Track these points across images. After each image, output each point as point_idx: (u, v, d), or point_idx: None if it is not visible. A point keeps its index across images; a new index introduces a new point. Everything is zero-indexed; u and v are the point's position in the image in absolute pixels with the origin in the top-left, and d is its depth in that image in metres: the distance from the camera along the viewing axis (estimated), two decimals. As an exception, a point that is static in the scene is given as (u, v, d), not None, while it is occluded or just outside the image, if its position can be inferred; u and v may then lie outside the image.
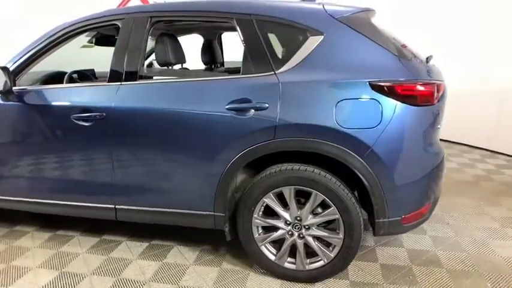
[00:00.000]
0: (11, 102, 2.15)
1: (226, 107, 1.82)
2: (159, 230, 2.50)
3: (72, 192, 2.22)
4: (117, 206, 2.15)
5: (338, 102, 1.70)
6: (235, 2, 1.97)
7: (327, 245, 1.91)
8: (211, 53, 2.99)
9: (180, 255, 2.28)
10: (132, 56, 2.02)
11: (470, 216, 2.72)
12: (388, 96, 1.67)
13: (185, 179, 1.99)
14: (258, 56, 1.86)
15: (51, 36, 2.15)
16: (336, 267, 1.91)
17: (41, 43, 2.16)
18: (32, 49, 2.18)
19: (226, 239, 2.05)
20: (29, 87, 2.21)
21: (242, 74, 1.88)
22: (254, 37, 1.87)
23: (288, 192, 1.85)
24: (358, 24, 1.81)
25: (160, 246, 2.39)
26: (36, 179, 2.26)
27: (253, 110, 1.78)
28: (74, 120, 2.03)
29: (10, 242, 2.46)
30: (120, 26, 2.08)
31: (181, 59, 2.27)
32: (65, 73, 2.66)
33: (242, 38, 1.89)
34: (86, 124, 2.02)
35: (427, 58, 1.95)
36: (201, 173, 1.94)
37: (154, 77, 2.09)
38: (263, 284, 1.98)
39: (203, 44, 3.02)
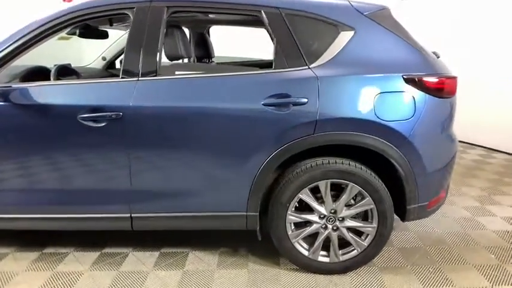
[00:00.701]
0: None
1: (263, 102, 1.76)
2: (162, 237, 2.33)
3: (79, 204, 1.95)
4: (133, 215, 1.95)
5: (376, 95, 1.75)
6: None
7: (358, 235, 1.97)
8: (205, 47, 2.86)
9: (199, 260, 2.15)
10: (150, 48, 1.83)
11: (453, 198, 3.02)
12: (419, 89, 1.78)
13: (216, 180, 1.88)
14: (290, 50, 1.83)
15: (42, 26, 1.85)
16: (368, 256, 1.98)
17: (29, 33, 1.85)
18: (19, 40, 1.85)
19: (258, 239, 1.99)
20: (16, 85, 1.88)
21: (275, 69, 1.84)
22: (284, 31, 1.83)
23: (324, 186, 1.87)
24: (384, 20, 1.89)
25: (174, 254, 2.22)
26: (33, 191, 1.94)
27: (292, 105, 1.75)
28: (82, 121, 1.79)
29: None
30: (131, 15, 1.87)
31: (190, 53, 2.13)
32: (44, 68, 2.32)
33: (272, 32, 1.84)
34: (97, 125, 1.79)
35: (435, 54, 2.11)
36: (234, 173, 1.85)
37: (176, 72, 1.92)
38: (297, 279, 1.97)
39: (196, 38, 2.87)
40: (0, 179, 1.92)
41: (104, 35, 2.68)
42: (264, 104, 1.76)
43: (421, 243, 2.32)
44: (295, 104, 1.75)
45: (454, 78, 1.86)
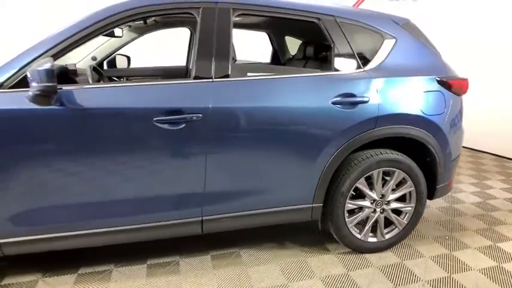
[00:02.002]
0: (53, 107, 1.59)
1: (331, 101, 1.93)
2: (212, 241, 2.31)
3: (151, 212, 1.82)
4: (204, 218, 1.91)
5: (420, 94, 2.08)
6: (323, 5, 2.06)
7: (398, 215, 2.28)
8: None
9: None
10: (221, 49, 1.84)
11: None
12: (447, 89, 2.16)
13: (288, 176, 1.97)
14: (346, 54, 2.04)
15: (106, 18, 1.70)
16: (407, 232, 2.31)
17: (84, 29, 1.67)
18: (73, 35, 1.66)
19: (319, 228, 2.15)
20: (78, 87, 1.68)
21: (335, 71, 2.02)
22: (340, 37, 2.04)
23: (377, 174, 2.12)
24: (412, 30, 2.23)
25: (228, 254, 2.23)
26: (105, 203, 1.74)
27: (356, 104, 1.96)
28: (157, 124, 1.70)
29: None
30: (196, 16, 1.84)
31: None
32: (65, 68, 2.07)
33: (330, 37, 2.03)
34: (174, 128, 1.72)
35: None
36: (305, 168, 1.97)
37: (248, 74, 1.95)
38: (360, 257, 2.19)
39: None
40: (57, 195, 1.69)
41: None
42: (332, 103, 1.93)
43: (433, 219, 2.76)
44: (359, 102, 1.97)
45: (467, 79, 2.30)
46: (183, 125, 1.73)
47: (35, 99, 1.55)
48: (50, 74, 1.45)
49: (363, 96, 1.97)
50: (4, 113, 1.56)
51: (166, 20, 2.89)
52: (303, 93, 1.94)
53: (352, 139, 1.99)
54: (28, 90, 1.54)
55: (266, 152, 1.91)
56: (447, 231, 2.59)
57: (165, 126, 1.71)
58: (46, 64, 1.45)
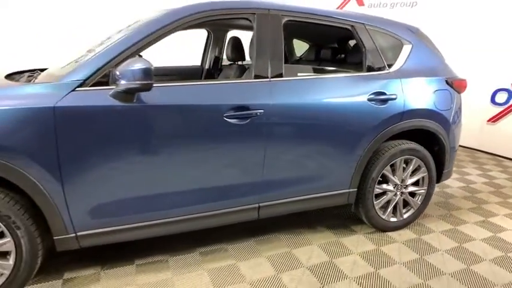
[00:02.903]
0: (137, 104, 1.69)
1: (367, 98, 2.22)
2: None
3: (214, 200, 1.97)
4: (260, 204, 2.10)
5: (434, 92, 2.44)
6: (354, 12, 2.34)
7: (413, 197, 2.63)
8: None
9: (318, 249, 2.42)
10: (276, 52, 2.04)
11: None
12: (452, 88, 2.55)
13: (331, 164, 2.22)
14: (375, 57, 2.34)
15: (173, 22, 1.81)
16: (420, 211, 2.67)
17: (161, 28, 1.78)
18: (151, 34, 1.76)
19: (352, 210, 2.44)
20: (160, 84, 1.77)
21: (367, 72, 2.31)
22: (370, 41, 2.33)
23: (399, 161, 2.45)
24: (422, 37, 2.60)
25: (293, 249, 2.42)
26: (174, 193, 1.86)
27: (387, 100, 2.26)
28: (227, 119, 1.86)
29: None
30: (252, 20, 2.02)
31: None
32: None
33: (361, 42, 2.31)
34: (241, 122, 1.90)
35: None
36: (345, 157, 2.24)
37: (298, 74, 2.16)
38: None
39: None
40: (137, 188, 1.79)
41: None
42: (368, 100, 2.22)
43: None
44: (389, 99, 2.27)
45: (465, 80, 2.71)
46: (248, 120, 1.91)
47: (119, 96, 1.65)
48: (148, 72, 1.56)
49: (392, 94, 2.28)
50: (88, 109, 1.63)
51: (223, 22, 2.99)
52: (344, 91, 2.20)
53: (383, 131, 2.29)
54: (110, 88, 1.65)
55: (314, 143, 2.15)
56: (446, 210, 3.01)
57: (233, 121, 1.88)
58: (143, 63, 1.56)
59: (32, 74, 2.20)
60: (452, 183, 3.67)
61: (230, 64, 3.08)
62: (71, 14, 4.35)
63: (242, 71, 2.94)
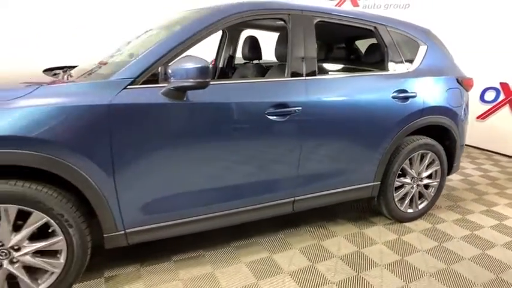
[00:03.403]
0: (187, 102, 1.72)
1: (391, 95, 2.34)
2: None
3: (251, 196, 2.03)
4: (295, 198, 2.18)
5: (447, 90, 2.60)
6: (375, 14, 2.46)
7: (427, 189, 2.79)
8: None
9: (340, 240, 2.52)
10: (309, 51, 2.12)
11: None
12: (462, 86, 2.73)
13: (359, 159, 2.33)
14: (397, 57, 2.47)
15: (216, 22, 1.86)
16: (433, 202, 2.83)
17: (203, 29, 1.82)
18: (193, 35, 1.80)
19: (375, 203, 2.57)
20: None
21: (390, 71, 2.44)
22: (391, 42, 2.46)
23: (417, 155, 2.59)
24: (434, 38, 2.75)
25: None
26: (219, 189, 1.90)
27: (409, 98, 2.40)
28: (268, 117, 1.93)
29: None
30: (287, 20, 2.09)
31: None
32: None
33: (383, 42, 2.44)
34: (280, 119, 1.97)
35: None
36: (371, 152, 2.36)
37: (330, 72, 2.24)
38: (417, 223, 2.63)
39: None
40: (191, 180, 1.84)
41: None
42: (391, 97, 2.34)
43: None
44: (410, 97, 2.41)
45: (472, 79, 2.90)
46: (288, 117, 1.99)
47: (171, 93, 1.68)
48: (206, 70, 1.61)
49: (412, 92, 2.42)
50: (140, 106, 1.65)
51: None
52: (371, 89, 2.32)
53: (406, 127, 2.42)
54: (161, 86, 1.68)
55: (344, 138, 2.25)
56: (452, 201, 3.20)
57: (274, 118, 1.95)
58: (200, 62, 1.60)
59: (64, 71, 2.19)
60: (452, 176, 3.88)
61: (245, 63, 3.14)
62: (71, 14, 4.26)
63: (259, 69, 3.01)
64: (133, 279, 1.96)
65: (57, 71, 2.21)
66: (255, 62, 3.16)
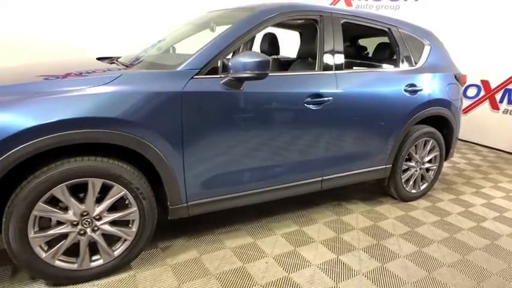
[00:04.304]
0: (243, 91, 1.97)
1: (403, 89, 2.69)
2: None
3: (289, 174, 2.31)
4: (324, 178, 2.48)
5: (448, 85, 2.99)
6: (387, 16, 2.79)
7: (427, 172, 3.17)
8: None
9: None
10: (337, 48, 2.42)
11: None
12: (458, 82, 3.12)
13: (377, 143, 2.67)
14: (407, 55, 2.81)
15: (263, 21, 2.12)
16: (432, 184, 3.22)
17: (251, 29, 2.08)
18: (247, 32, 2.05)
19: (385, 184, 2.93)
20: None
21: (400, 67, 2.78)
22: (402, 42, 2.80)
23: (421, 142, 2.96)
24: (435, 38, 3.13)
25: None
26: (266, 167, 2.17)
27: (417, 91, 2.75)
28: (306, 105, 2.22)
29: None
30: (318, 21, 2.38)
31: None
32: None
33: (395, 42, 2.78)
34: (315, 108, 2.26)
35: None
36: (388, 136, 2.69)
37: (355, 68, 2.54)
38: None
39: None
40: (245, 158, 2.10)
41: None
42: (404, 90, 2.69)
43: (430, 177, 3.76)
44: (418, 90, 2.77)
45: (466, 75, 3.30)
46: (321, 106, 2.28)
47: (231, 83, 1.93)
48: (267, 64, 1.87)
49: (420, 86, 2.78)
50: (206, 94, 1.89)
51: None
52: (388, 82, 2.66)
53: (415, 116, 2.78)
54: (221, 76, 1.92)
55: (366, 125, 2.57)
56: (446, 184, 3.62)
57: (310, 106, 2.24)
58: (262, 56, 1.86)
59: (113, 61, 2.39)
60: (441, 163, 4.33)
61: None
62: (71, 14, 4.34)
63: (278, 64, 3.29)
64: (187, 248, 2.20)
65: (109, 60, 2.40)
66: (274, 57, 3.45)
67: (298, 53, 3.14)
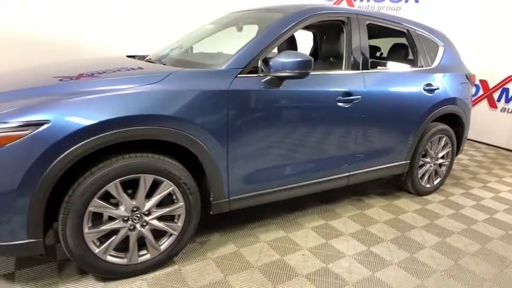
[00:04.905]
0: (283, 89, 2.05)
1: (422, 88, 2.81)
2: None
3: (320, 170, 2.39)
4: (350, 173, 2.58)
5: (459, 84, 3.13)
6: (402, 17, 2.91)
7: (440, 167, 3.31)
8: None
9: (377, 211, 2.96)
10: (364, 48, 2.52)
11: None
12: (469, 81, 3.27)
13: (398, 140, 2.78)
14: (423, 55, 2.94)
15: (297, 22, 2.20)
16: (445, 179, 3.37)
17: (290, 28, 2.16)
18: (283, 32, 2.13)
19: (404, 178, 3.05)
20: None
21: (418, 67, 2.90)
22: (419, 43, 2.93)
23: (436, 139, 3.10)
24: (447, 40, 3.27)
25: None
26: (301, 163, 2.26)
27: (434, 90, 2.88)
28: (338, 103, 2.31)
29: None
30: (346, 22, 2.47)
31: None
32: None
33: (414, 42, 2.90)
34: (346, 106, 2.35)
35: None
36: (408, 133, 2.82)
37: (378, 67, 2.65)
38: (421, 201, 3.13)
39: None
40: (282, 154, 2.17)
41: None
42: (423, 89, 2.81)
43: (438, 173, 3.92)
44: (435, 89, 2.90)
45: (475, 75, 3.45)
46: (351, 104, 2.38)
47: (272, 82, 2.01)
48: (309, 63, 1.95)
49: (436, 85, 2.91)
50: (249, 92, 1.96)
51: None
52: (409, 82, 2.78)
53: (432, 114, 2.91)
54: (261, 75, 2.00)
55: (389, 123, 2.69)
56: (454, 180, 3.77)
57: (341, 104, 2.33)
58: (304, 56, 1.94)
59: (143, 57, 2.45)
60: (446, 160, 4.50)
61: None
62: (71, 14, 4.31)
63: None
64: (224, 242, 2.27)
65: (139, 58, 2.45)
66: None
67: (315, 52, 3.24)
